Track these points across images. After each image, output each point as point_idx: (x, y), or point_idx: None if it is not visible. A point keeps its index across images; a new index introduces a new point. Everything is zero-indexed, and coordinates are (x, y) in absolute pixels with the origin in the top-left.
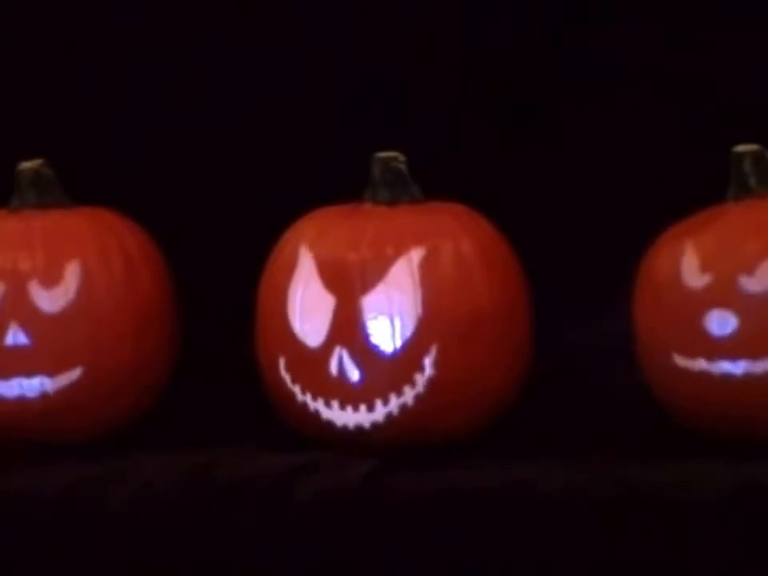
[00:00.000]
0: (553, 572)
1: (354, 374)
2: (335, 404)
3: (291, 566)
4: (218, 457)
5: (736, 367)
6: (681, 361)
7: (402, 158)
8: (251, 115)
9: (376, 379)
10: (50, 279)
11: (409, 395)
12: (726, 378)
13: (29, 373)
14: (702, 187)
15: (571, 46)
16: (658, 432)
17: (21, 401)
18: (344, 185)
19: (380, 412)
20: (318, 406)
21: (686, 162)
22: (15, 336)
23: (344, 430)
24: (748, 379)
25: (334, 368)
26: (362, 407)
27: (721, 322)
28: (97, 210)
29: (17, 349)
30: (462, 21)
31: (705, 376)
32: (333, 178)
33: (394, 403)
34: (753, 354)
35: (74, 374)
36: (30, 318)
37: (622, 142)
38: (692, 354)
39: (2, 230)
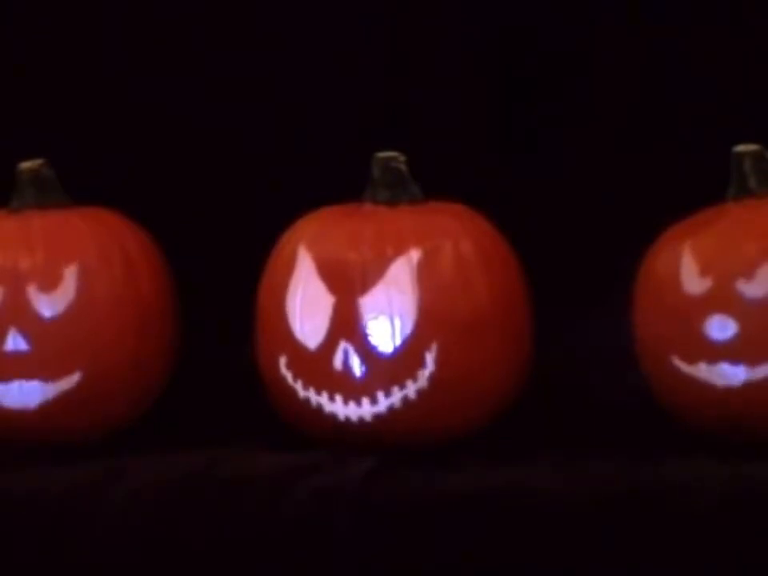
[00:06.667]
0: (553, 572)
1: (358, 369)
2: (338, 397)
3: (291, 566)
4: (217, 457)
5: (736, 372)
6: (681, 365)
7: (402, 158)
8: (252, 115)
9: (377, 376)
10: (50, 281)
11: (410, 389)
12: (727, 383)
13: (28, 377)
14: (702, 187)
15: (572, 46)
16: (658, 432)
17: (20, 405)
18: (344, 185)
19: (382, 405)
20: (320, 399)
21: (686, 161)
22: (15, 341)
23: (346, 423)
24: (748, 384)
25: (338, 363)
26: (365, 400)
27: (721, 327)
28: (97, 210)
29: (16, 354)
30: (463, 21)
31: (705, 380)
32: (333, 178)
33: (396, 398)
34: (753, 359)
35: (73, 379)
36: (30, 322)
37: (622, 141)
38: (692, 359)
39: (1, 230)
